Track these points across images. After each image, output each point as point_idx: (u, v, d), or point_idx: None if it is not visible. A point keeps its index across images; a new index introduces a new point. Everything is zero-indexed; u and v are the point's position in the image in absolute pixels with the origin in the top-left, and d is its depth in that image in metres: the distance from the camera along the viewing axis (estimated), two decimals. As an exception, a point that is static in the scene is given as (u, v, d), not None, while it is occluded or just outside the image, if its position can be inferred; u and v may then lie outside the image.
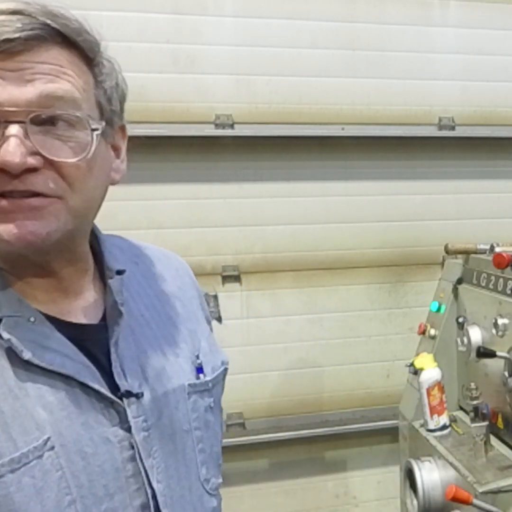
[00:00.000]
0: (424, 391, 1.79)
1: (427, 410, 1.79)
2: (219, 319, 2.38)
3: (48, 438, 0.68)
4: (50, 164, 0.67)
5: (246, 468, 2.41)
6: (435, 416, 1.79)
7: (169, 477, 0.77)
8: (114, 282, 0.79)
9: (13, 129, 0.65)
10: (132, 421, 0.74)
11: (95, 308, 0.79)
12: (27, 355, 0.68)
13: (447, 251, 1.91)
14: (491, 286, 1.73)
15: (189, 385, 0.83)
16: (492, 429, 1.65)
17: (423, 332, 2.03)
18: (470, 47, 2.51)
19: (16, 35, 0.65)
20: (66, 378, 0.70)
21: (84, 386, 0.71)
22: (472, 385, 1.65)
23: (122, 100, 0.78)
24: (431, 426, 1.80)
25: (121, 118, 0.78)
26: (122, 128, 0.80)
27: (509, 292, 1.63)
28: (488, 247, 1.83)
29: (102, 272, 0.82)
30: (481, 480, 1.52)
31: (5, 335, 0.68)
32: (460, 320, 1.86)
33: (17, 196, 0.66)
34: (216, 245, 2.36)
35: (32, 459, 0.66)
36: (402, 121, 2.48)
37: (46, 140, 0.67)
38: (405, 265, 2.54)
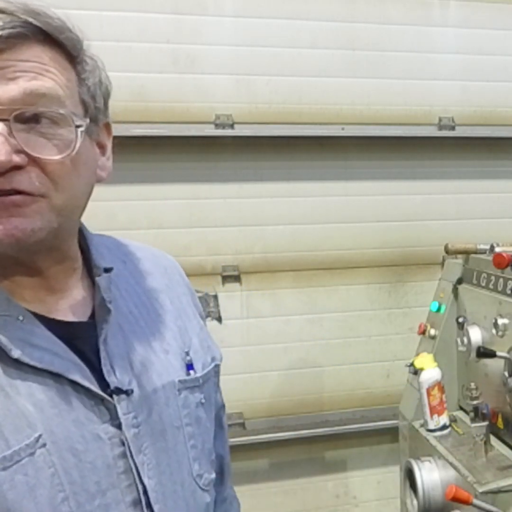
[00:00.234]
0: (424, 391, 1.79)
1: (427, 410, 1.79)
2: (219, 319, 2.38)
3: (40, 436, 0.68)
4: (35, 162, 0.67)
5: (246, 468, 2.41)
6: (435, 416, 1.79)
7: (160, 473, 0.77)
8: (101, 279, 0.79)
9: None
10: (122, 418, 0.74)
11: (83, 306, 0.80)
12: (16, 353, 0.69)
13: (447, 251, 1.91)
14: (491, 286, 1.73)
15: (179, 381, 0.84)
16: (492, 429, 1.65)
17: (423, 332, 2.03)
18: (470, 47, 2.51)
19: None
20: (56, 376, 0.71)
21: (74, 384, 0.72)
22: (472, 385, 1.65)
23: (106, 97, 0.78)
24: (431, 426, 1.80)
25: (106, 115, 0.78)
26: (107, 126, 0.80)
27: (509, 292, 1.63)
28: (488, 247, 1.83)
29: (90, 270, 0.82)
30: (481, 480, 1.52)
31: None
32: (460, 320, 1.86)
33: (1, 194, 0.67)
34: (216, 245, 2.36)
35: (24, 457, 0.67)
36: (402, 121, 2.48)
37: (30, 138, 0.67)
38: (405, 265, 2.55)
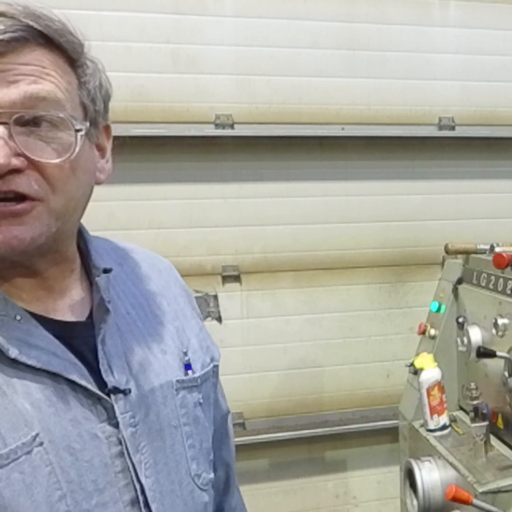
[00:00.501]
0: (424, 391, 1.79)
1: (427, 410, 1.79)
2: (219, 319, 2.38)
3: (37, 434, 0.68)
4: (34, 165, 0.68)
5: (246, 468, 2.41)
6: (435, 416, 1.79)
7: (158, 472, 0.78)
8: (101, 280, 0.80)
9: None
10: (119, 417, 0.74)
11: (81, 306, 0.80)
12: (13, 353, 0.69)
13: (447, 251, 1.90)
14: (491, 286, 1.73)
15: (177, 381, 0.84)
16: (492, 429, 1.65)
17: (423, 332, 2.03)
18: (470, 47, 2.51)
19: None
20: (53, 375, 0.71)
21: (71, 383, 0.72)
22: (472, 385, 1.65)
23: (107, 100, 0.78)
24: (431, 426, 1.80)
25: (105, 118, 0.79)
26: (107, 128, 0.81)
27: (509, 292, 1.63)
28: (488, 247, 1.83)
29: (88, 271, 0.83)
30: (481, 480, 1.52)
31: None
32: (460, 320, 1.86)
33: (0, 201, 0.67)
34: (216, 245, 2.37)
35: (21, 455, 0.67)
36: (402, 121, 2.48)
37: (29, 141, 0.67)
38: (405, 265, 2.55)
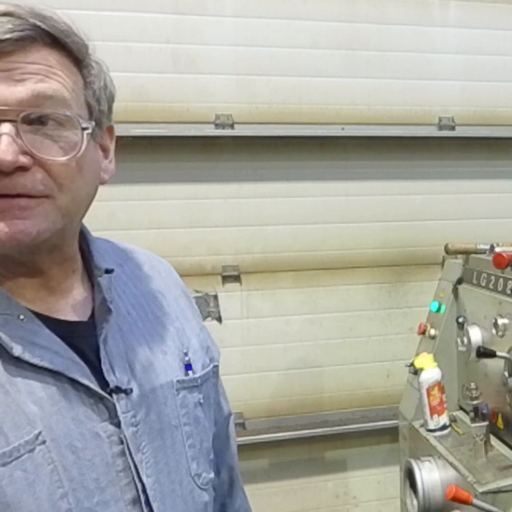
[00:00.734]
0: (424, 391, 1.79)
1: (427, 410, 1.79)
2: (219, 319, 2.38)
3: (39, 433, 0.69)
4: (40, 163, 0.68)
5: (246, 468, 2.40)
6: (435, 416, 1.79)
7: (158, 471, 0.78)
8: (103, 280, 0.80)
9: (5, 127, 0.66)
10: (121, 416, 0.75)
11: (83, 306, 0.80)
12: (17, 351, 0.69)
13: (447, 251, 1.91)
14: (491, 286, 1.73)
15: (178, 381, 0.84)
16: (492, 429, 1.65)
17: (423, 332, 2.03)
18: (470, 47, 2.51)
19: (7, 36, 0.66)
20: (55, 374, 0.71)
21: (73, 382, 0.72)
22: (472, 385, 1.65)
23: (110, 101, 0.79)
24: (431, 426, 1.80)
25: (109, 119, 0.80)
26: (110, 129, 0.81)
27: (509, 292, 1.63)
28: (488, 247, 1.83)
29: (89, 271, 0.83)
30: (481, 480, 1.52)
31: None
32: (460, 320, 1.86)
33: (6, 196, 0.67)
34: (216, 245, 2.36)
35: (24, 453, 0.67)
36: (402, 121, 2.48)
37: (36, 139, 0.68)
38: (405, 265, 2.55)
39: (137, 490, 0.75)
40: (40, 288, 0.76)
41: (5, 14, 0.67)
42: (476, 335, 1.74)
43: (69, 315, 0.78)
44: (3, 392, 0.68)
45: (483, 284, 1.78)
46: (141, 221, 2.28)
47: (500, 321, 1.61)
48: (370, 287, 2.52)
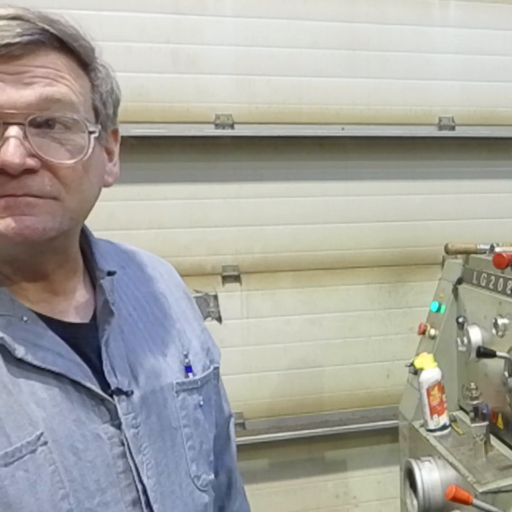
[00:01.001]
0: (424, 391, 1.79)
1: (427, 410, 1.79)
2: (219, 319, 2.38)
3: (41, 434, 0.69)
4: (47, 165, 0.69)
5: (246, 468, 2.41)
6: (435, 416, 1.79)
7: (159, 473, 0.78)
8: (105, 282, 0.81)
9: (13, 130, 0.66)
10: (122, 418, 0.75)
11: (85, 307, 0.81)
12: (20, 353, 0.70)
13: (447, 251, 1.91)
14: (491, 286, 1.73)
15: (177, 383, 0.85)
16: (492, 429, 1.65)
17: (423, 332, 2.03)
18: (470, 47, 2.51)
19: (17, 39, 0.66)
20: (58, 376, 0.72)
21: (75, 384, 0.73)
22: (472, 385, 1.65)
23: (116, 105, 0.80)
24: (431, 426, 1.80)
25: (114, 123, 0.81)
26: (115, 132, 0.82)
27: (509, 292, 1.63)
28: (488, 247, 1.83)
29: (91, 273, 0.84)
30: (481, 480, 1.52)
31: None
32: (460, 320, 1.86)
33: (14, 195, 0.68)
34: (216, 245, 2.36)
35: (26, 454, 0.68)
36: (402, 121, 2.48)
37: (43, 142, 0.68)
38: (405, 265, 2.55)
39: (138, 492, 0.75)
40: (43, 290, 0.77)
41: (15, 17, 0.68)
42: (476, 335, 1.74)
43: (72, 317, 0.79)
44: (6, 393, 0.69)
45: (483, 284, 1.78)
46: (141, 221, 2.28)
47: (500, 321, 1.61)
48: (370, 287, 2.52)
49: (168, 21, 2.24)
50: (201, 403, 0.88)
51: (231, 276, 2.39)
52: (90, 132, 0.72)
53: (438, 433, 1.79)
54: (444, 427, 1.79)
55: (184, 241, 2.32)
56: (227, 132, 2.32)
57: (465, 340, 1.76)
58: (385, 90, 2.45)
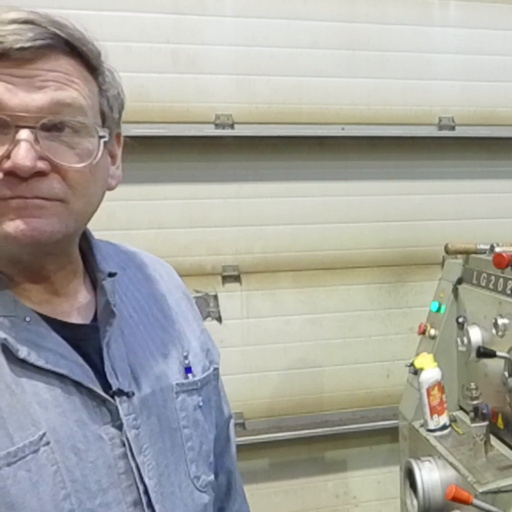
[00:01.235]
0: (424, 391, 1.79)
1: (427, 410, 1.79)
2: (219, 319, 2.38)
3: (44, 434, 0.69)
4: (56, 168, 0.70)
5: (246, 468, 2.41)
6: (435, 416, 1.79)
7: (159, 474, 0.79)
8: (107, 283, 0.81)
9: (24, 133, 0.67)
10: (123, 419, 0.76)
11: (87, 309, 0.81)
12: (22, 353, 0.70)
13: (447, 251, 1.91)
14: (491, 286, 1.73)
15: (177, 384, 0.85)
16: (492, 429, 1.65)
17: (423, 332, 2.03)
18: (470, 47, 2.51)
19: (29, 44, 0.67)
20: (60, 377, 0.72)
21: (77, 385, 0.73)
22: (472, 385, 1.65)
23: (121, 109, 0.81)
24: (431, 426, 1.80)
25: (118, 126, 0.82)
26: (118, 136, 0.83)
27: (509, 292, 1.63)
28: (488, 247, 1.83)
29: (91, 274, 0.84)
30: (481, 480, 1.52)
31: (1, 334, 0.70)
32: (460, 320, 1.86)
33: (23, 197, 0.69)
34: (216, 245, 2.36)
35: (28, 454, 0.68)
36: (402, 121, 2.48)
37: (53, 146, 0.69)
38: (405, 265, 2.55)
39: (139, 492, 0.76)
40: (45, 291, 0.77)
41: (27, 22, 0.68)
42: (476, 335, 1.74)
43: (74, 318, 0.79)
44: (9, 393, 0.69)
45: (483, 284, 1.78)
46: (141, 221, 2.28)
47: (500, 321, 1.61)
48: (370, 287, 2.52)
49: (168, 21, 2.24)
50: (201, 404, 0.88)
51: (231, 276, 2.39)
52: (100, 137, 0.73)
53: (438, 433, 1.79)
54: (444, 427, 1.79)
55: (184, 241, 2.32)
56: (227, 132, 2.32)
57: (465, 340, 1.76)
58: (385, 90, 2.45)
